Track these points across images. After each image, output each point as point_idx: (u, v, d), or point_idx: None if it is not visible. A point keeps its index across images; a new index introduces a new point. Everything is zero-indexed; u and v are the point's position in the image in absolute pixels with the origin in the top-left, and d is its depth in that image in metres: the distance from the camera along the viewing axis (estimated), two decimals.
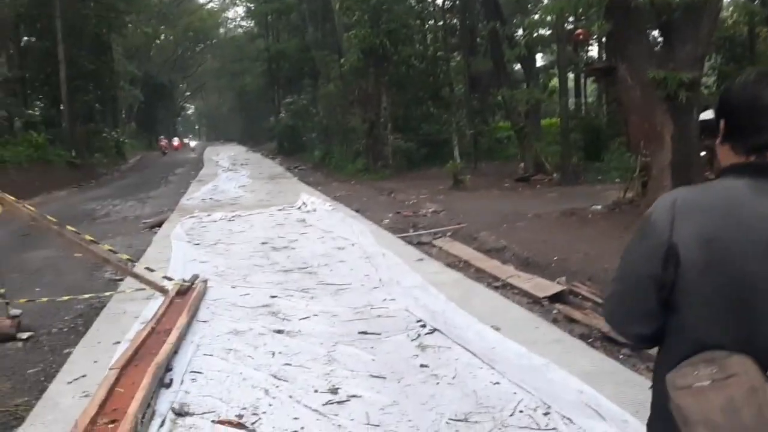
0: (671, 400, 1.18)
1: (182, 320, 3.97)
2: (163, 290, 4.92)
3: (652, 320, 1.27)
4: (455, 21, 23.83)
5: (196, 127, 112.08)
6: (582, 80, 27.75)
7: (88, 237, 5.25)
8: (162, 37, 57.57)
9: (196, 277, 5.35)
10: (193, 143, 29.48)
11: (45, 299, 5.21)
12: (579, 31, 10.32)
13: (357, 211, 11.63)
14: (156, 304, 4.71)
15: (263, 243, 7.63)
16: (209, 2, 61.59)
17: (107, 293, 5.42)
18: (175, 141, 41.84)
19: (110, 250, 5.27)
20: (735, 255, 1.16)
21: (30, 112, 22.92)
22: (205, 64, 70.39)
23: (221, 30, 63.71)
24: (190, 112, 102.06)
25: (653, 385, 1.33)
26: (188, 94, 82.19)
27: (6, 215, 4.86)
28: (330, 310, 4.62)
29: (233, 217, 9.98)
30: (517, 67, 25.70)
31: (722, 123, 1.28)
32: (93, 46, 30.36)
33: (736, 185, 1.22)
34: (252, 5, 43.05)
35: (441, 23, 24.14)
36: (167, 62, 60.83)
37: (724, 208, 1.20)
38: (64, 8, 24.37)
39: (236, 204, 12.38)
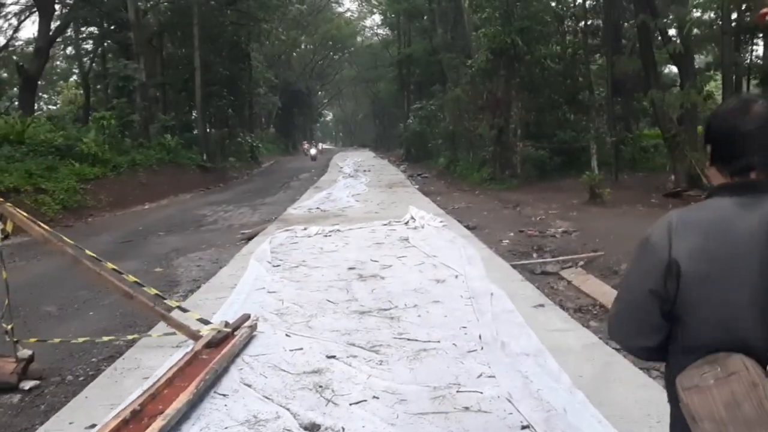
0: (680, 400, 1.31)
1: (181, 399, 2.79)
2: (195, 336, 3.84)
3: (656, 333, 1.40)
4: (598, 21, 21.38)
5: (334, 133, 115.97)
6: (745, 82, 23.84)
7: (110, 266, 4.28)
8: (302, 46, 59.63)
9: (245, 318, 4.23)
10: (316, 148, 30.32)
11: (57, 340, 4.33)
12: (765, 9, 8.05)
13: (472, 228, 10.13)
14: (180, 356, 3.62)
15: (351, 268, 6.42)
16: (347, 11, 62.96)
17: (130, 336, 4.45)
18: (313, 148, 42.63)
19: (136, 283, 4.27)
20: (728, 266, 1.30)
21: (164, 117, 23.87)
22: (343, 71, 72.25)
23: (358, 39, 64.78)
24: (328, 118, 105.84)
25: (668, 393, 1.43)
26: (326, 101, 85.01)
27: (17, 231, 4.02)
28: (398, 388, 3.24)
29: (330, 232, 8.93)
30: (667, 70, 22.68)
31: (709, 148, 1.44)
32: (232, 53, 31.48)
33: (724, 204, 1.37)
34: (391, 15, 43.05)
35: (582, 24, 21.84)
36: (305, 70, 62.89)
37: (716, 224, 1.34)
38: (202, 16, 25.31)
39: (342, 216, 11.39)
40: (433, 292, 5.36)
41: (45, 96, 52.77)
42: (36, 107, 47.52)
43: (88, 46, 34.58)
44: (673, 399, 1.38)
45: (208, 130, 32.83)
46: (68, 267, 5.58)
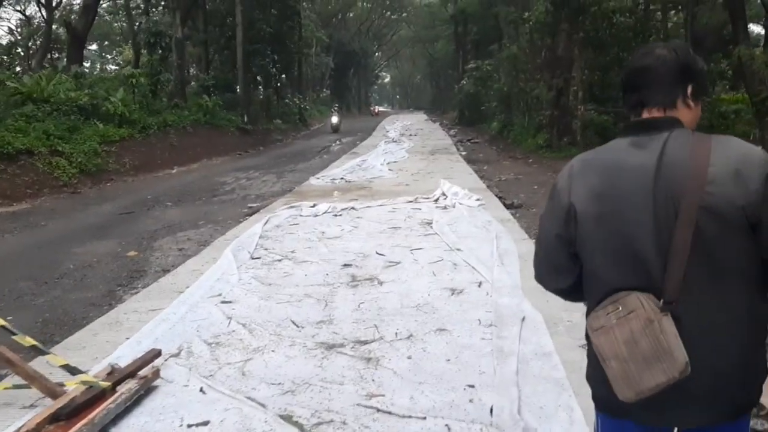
0: (591, 342, 1.35)
1: None
2: (54, 393, 2.55)
3: (566, 274, 1.45)
4: None
5: (391, 96, 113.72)
6: None
7: None
8: (358, 4, 57.55)
9: (149, 357, 2.91)
10: (338, 115, 27.48)
11: None
12: None
13: (516, 207, 8.52)
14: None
15: (346, 265, 5.02)
16: None
17: None
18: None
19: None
20: (620, 205, 1.32)
21: (203, 75, 22.82)
22: (400, 32, 69.79)
23: None
24: (386, 80, 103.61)
25: (586, 336, 1.40)
26: (384, 63, 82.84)
27: None
28: None
29: (343, 210, 7.52)
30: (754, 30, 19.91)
31: (622, 90, 1.51)
32: (279, 9, 30.04)
33: (620, 144, 1.41)
34: None
35: None
36: (361, 30, 60.93)
37: (610, 164, 1.37)
38: None
39: (366, 188, 9.95)
40: (441, 312, 3.89)
41: (109, 57, 53.15)
42: (99, 67, 47.82)
43: (140, 2, 33.98)
44: (588, 341, 1.39)
45: (255, 90, 31.85)
46: None
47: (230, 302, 4.10)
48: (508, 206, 8.44)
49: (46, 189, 11.51)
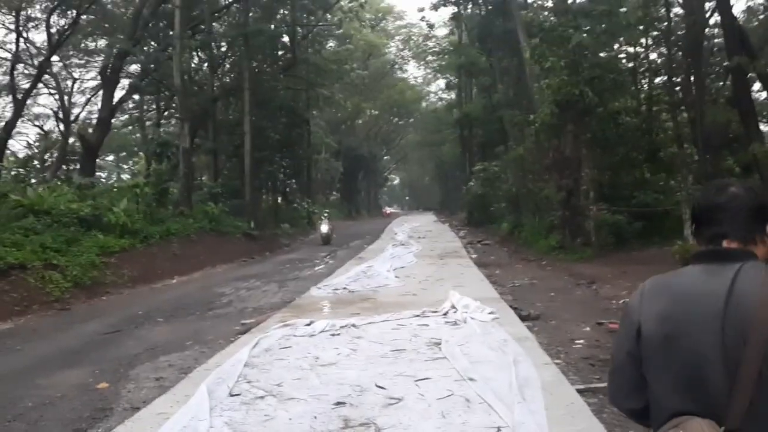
0: None
1: None
2: None
3: (637, 394, 1.44)
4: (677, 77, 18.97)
5: (401, 197, 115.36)
6: None
7: None
8: (368, 112, 59.58)
9: None
10: (328, 224, 23.01)
11: None
12: None
13: (534, 319, 7.80)
14: None
15: (338, 404, 4.26)
16: (410, 76, 62.76)
17: None
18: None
19: None
20: (688, 329, 1.34)
21: (211, 183, 22.92)
22: (408, 136, 71.81)
23: (423, 104, 64.31)
24: (395, 182, 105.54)
25: None
26: (393, 165, 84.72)
27: None
28: None
29: (342, 327, 6.81)
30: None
31: (693, 224, 1.57)
32: (288, 118, 30.84)
33: (693, 270, 1.45)
34: (453, 79, 42.01)
35: (657, 79, 19.53)
36: (369, 135, 62.65)
37: (681, 288, 1.41)
38: (254, 81, 24.68)
39: (370, 299, 9.29)
40: None
41: (125, 167, 54.60)
42: (115, 177, 48.98)
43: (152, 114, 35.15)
44: None
45: (264, 196, 32.04)
46: None
47: None
48: (524, 318, 7.72)
49: (35, 305, 10.91)
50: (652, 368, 1.38)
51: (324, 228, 24.21)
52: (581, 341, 6.81)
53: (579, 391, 4.76)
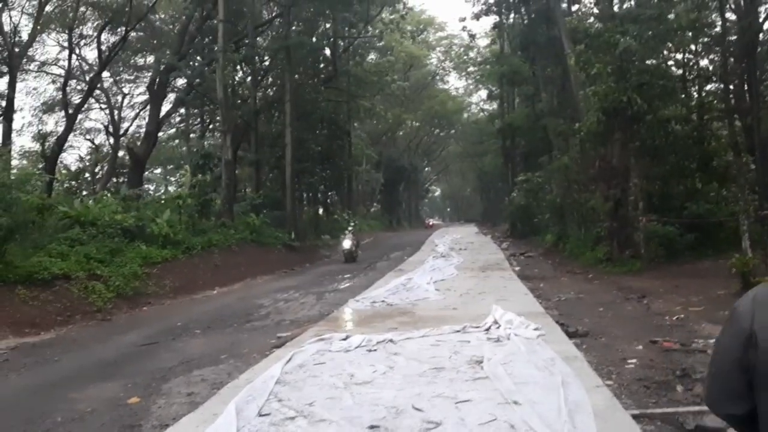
0: None
1: None
2: None
3: (741, 401, 1.37)
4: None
5: (442, 208, 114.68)
6: None
7: None
8: (409, 123, 59.49)
9: None
10: (352, 239, 19.92)
11: None
12: None
13: (582, 336, 7.38)
14: None
15: (371, 428, 4.00)
16: (451, 87, 62.46)
17: None
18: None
19: None
20: None
21: (252, 194, 23.10)
22: (449, 147, 71.34)
23: (465, 115, 63.81)
24: (437, 194, 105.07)
25: None
26: (434, 177, 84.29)
27: None
28: None
29: (379, 343, 6.56)
30: None
31: None
32: (329, 129, 30.98)
33: None
34: (495, 89, 41.58)
35: (711, 85, 18.75)
36: (410, 146, 62.48)
37: None
38: (295, 93, 24.86)
39: (409, 313, 9.01)
40: None
41: (172, 179, 56.01)
42: (163, 189, 50.25)
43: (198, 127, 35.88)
44: None
45: (305, 207, 32.21)
46: None
47: None
48: (571, 335, 7.30)
49: (78, 315, 11.06)
50: (764, 380, 1.32)
51: (347, 243, 21.01)
52: (634, 360, 6.37)
53: (634, 416, 4.39)
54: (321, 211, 32.62)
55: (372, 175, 50.19)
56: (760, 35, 17.62)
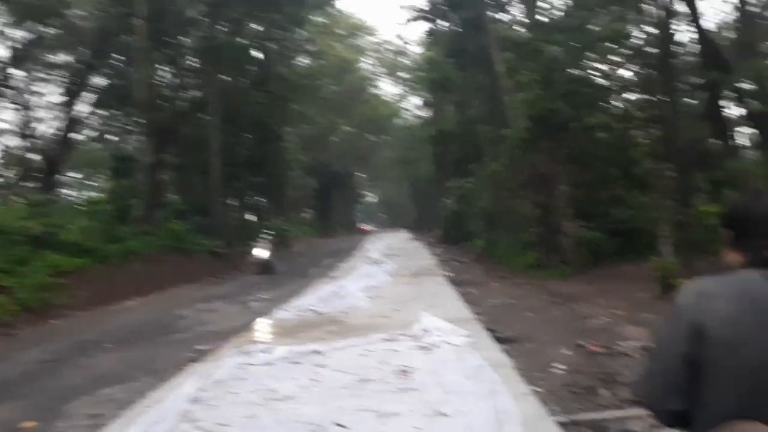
0: None
1: None
2: None
3: (682, 396, 1.39)
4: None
5: (379, 214, 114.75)
6: None
7: None
8: (343, 128, 59.19)
9: None
10: (268, 249, 18.14)
11: None
12: None
13: (509, 342, 7.31)
14: None
15: None
16: (386, 94, 62.68)
17: None
18: (365, 227, 34.91)
19: None
20: (755, 334, 1.32)
21: (176, 200, 22.16)
22: (383, 153, 71.48)
23: (398, 121, 64.17)
24: (373, 200, 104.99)
25: None
26: (370, 183, 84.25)
27: None
28: None
29: (303, 355, 6.22)
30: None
31: (728, 232, 1.52)
32: (260, 134, 30.20)
33: (752, 275, 1.40)
34: (429, 97, 41.90)
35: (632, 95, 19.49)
36: (344, 152, 62.21)
37: (747, 294, 1.37)
38: (222, 95, 24.07)
39: (338, 322, 8.70)
40: None
41: (95, 184, 53.11)
42: (83, 194, 47.53)
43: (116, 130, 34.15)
44: None
45: (236, 212, 31.22)
46: None
47: None
48: (501, 341, 7.22)
49: None
50: (713, 372, 1.34)
51: (260, 252, 18.03)
52: (562, 366, 6.34)
53: (561, 424, 4.29)
54: (255, 218, 31.70)
55: (305, 180, 49.56)
56: (678, 48, 18.44)
